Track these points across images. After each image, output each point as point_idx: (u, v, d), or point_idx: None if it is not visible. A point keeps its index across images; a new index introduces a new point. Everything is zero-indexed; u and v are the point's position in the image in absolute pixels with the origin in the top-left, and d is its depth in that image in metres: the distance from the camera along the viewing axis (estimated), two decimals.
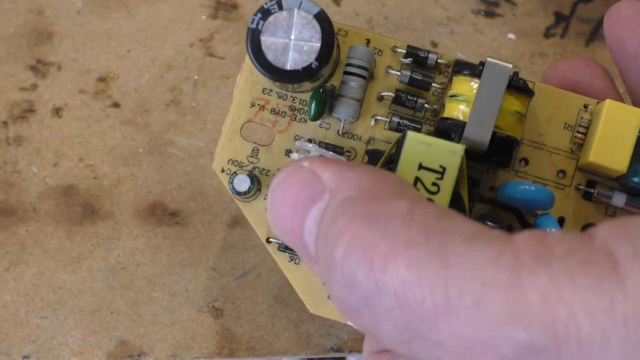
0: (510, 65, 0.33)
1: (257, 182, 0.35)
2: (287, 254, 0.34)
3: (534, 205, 0.33)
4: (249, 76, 0.36)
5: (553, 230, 0.23)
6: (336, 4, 0.45)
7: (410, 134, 0.30)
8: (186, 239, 0.40)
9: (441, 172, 0.29)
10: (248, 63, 0.36)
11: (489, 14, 0.45)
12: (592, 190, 0.34)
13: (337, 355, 0.38)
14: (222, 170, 0.35)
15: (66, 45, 0.45)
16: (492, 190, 0.35)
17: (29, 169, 0.42)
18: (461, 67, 0.34)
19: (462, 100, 0.33)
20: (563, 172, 0.35)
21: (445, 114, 0.33)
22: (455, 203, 0.29)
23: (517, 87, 0.33)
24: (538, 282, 0.23)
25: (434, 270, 0.23)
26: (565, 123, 0.35)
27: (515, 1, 0.45)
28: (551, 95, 0.35)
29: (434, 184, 0.29)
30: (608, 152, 0.33)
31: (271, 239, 0.34)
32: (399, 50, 0.35)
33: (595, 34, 0.44)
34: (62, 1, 0.46)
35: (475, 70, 0.33)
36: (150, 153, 0.42)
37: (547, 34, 0.44)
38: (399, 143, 0.30)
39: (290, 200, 0.27)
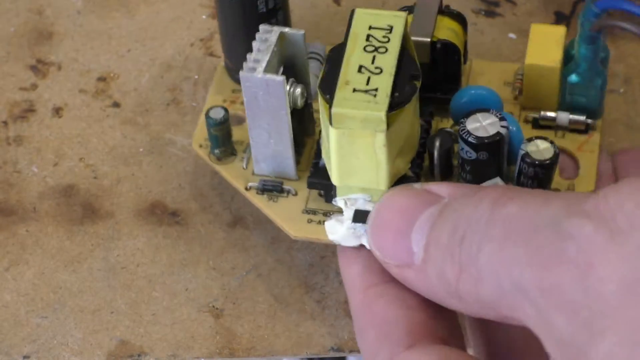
0: None
1: (229, 138, 0.37)
2: (265, 195, 0.36)
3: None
4: (218, 85, 0.39)
5: None
6: (336, 3, 0.45)
7: (358, 9, 0.33)
8: (186, 239, 0.40)
9: (389, 29, 0.32)
10: (218, 74, 0.39)
11: (489, 14, 0.45)
12: (537, 115, 0.37)
13: (337, 355, 0.38)
14: (200, 146, 0.38)
15: (66, 45, 0.45)
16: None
17: (29, 169, 0.42)
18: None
19: None
20: (510, 113, 0.37)
21: None
22: (407, 61, 0.32)
23: (450, 13, 0.36)
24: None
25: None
26: (505, 82, 0.38)
27: (515, 1, 0.45)
28: (487, 66, 0.39)
29: (384, 36, 0.32)
30: (541, 55, 0.36)
31: (250, 185, 0.36)
32: None
33: None
34: (62, 1, 0.46)
35: (405, 8, 0.37)
36: (150, 153, 0.42)
37: None
38: (349, 21, 0.32)
39: (400, 204, 0.28)
